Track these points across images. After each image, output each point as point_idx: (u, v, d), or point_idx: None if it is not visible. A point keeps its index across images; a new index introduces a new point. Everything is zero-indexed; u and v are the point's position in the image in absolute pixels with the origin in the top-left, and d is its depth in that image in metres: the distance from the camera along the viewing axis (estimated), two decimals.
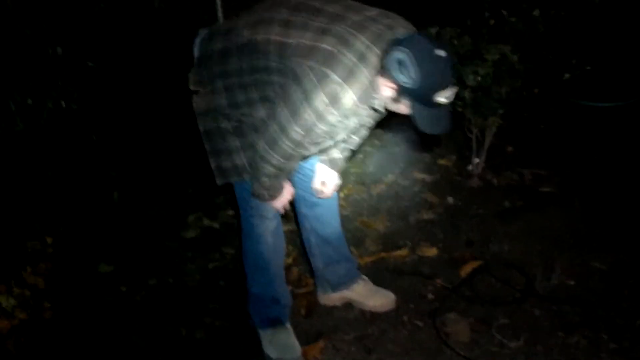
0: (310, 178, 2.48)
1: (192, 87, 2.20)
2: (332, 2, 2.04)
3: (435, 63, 1.84)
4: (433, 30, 3.46)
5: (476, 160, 3.74)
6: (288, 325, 2.56)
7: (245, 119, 2.12)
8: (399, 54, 1.82)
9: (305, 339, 2.58)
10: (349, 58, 1.89)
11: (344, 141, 2.34)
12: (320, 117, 1.93)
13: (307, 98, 1.91)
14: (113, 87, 3.67)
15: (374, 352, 2.49)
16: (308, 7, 2.02)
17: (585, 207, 3.31)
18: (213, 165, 2.26)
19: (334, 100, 1.90)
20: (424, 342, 2.52)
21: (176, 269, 3.16)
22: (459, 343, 2.47)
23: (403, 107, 1.96)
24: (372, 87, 1.93)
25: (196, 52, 2.22)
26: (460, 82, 3.42)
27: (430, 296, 2.78)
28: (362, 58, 1.89)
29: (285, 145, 2.01)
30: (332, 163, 2.44)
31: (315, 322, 2.71)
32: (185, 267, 3.18)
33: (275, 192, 2.23)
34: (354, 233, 3.25)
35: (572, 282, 2.76)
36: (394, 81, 1.87)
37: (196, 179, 3.80)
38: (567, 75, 3.41)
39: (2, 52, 3.20)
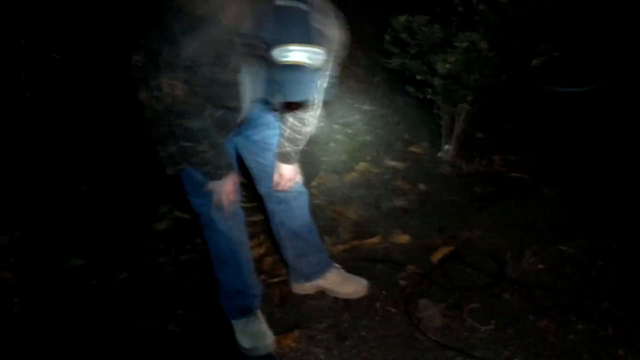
0: (270, 174, 2.47)
1: (134, 74, 2.13)
2: None
3: (291, 16, 1.78)
4: (402, 18, 3.48)
5: (447, 147, 3.77)
6: (259, 314, 2.56)
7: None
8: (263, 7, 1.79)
9: (280, 328, 2.58)
10: (201, 9, 1.87)
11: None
12: (169, 67, 1.93)
13: (159, 48, 1.95)
14: (79, 78, 3.61)
15: (348, 340, 2.50)
16: None
17: (555, 192, 3.35)
18: (162, 154, 2.20)
19: (176, 52, 1.90)
20: (397, 328, 2.53)
21: (148, 262, 3.14)
22: (431, 328, 2.50)
23: (268, 67, 1.90)
24: (219, 44, 1.89)
25: (142, 40, 2.15)
26: (430, 70, 3.44)
27: (402, 283, 2.80)
28: (210, 12, 1.86)
29: (165, 97, 2.00)
30: (283, 157, 2.40)
31: (289, 311, 2.71)
32: (157, 259, 3.15)
33: (212, 171, 2.18)
34: (326, 222, 3.25)
35: (541, 267, 2.79)
36: (260, 37, 1.84)
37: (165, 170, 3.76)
38: (535, 62, 3.44)
39: None
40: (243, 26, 1.87)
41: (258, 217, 3.26)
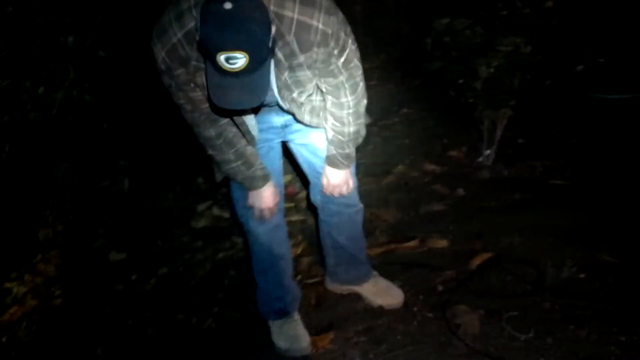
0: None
1: None
2: None
3: (215, 14, 1.58)
4: (445, 21, 3.46)
5: (487, 151, 3.73)
6: (296, 316, 2.57)
7: None
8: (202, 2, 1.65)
9: (315, 329, 2.58)
10: (169, 14, 1.80)
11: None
12: (161, 75, 1.89)
13: None
14: (124, 76, 3.66)
15: (383, 343, 2.48)
16: None
17: (597, 200, 3.29)
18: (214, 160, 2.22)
19: (155, 55, 1.84)
20: (433, 333, 2.51)
21: (186, 258, 3.17)
22: (469, 335, 2.46)
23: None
24: (185, 50, 1.80)
25: None
26: (472, 74, 3.41)
27: (440, 288, 2.77)
28: (178, 17, 1.77)
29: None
30: (329, 161, 2.31)
31: (324, 313, 2.71)
32: (195, 256, 3.19)
33: (247, 182, 2.18)
34: (364, 224, 3.23)
35: (583, 276, 2.73)
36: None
37: (206, 169, 3.80)
38: (580, 67, 3.39)
39: (14, 41, 3.20)
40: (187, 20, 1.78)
41: (296, 217, 3.28)
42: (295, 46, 1.84)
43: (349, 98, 2.09)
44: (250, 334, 2.64)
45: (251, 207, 2.28)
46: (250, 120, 2.08)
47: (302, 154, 2.41)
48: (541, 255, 2.86)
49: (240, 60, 1.61)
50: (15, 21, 3.18)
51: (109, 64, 3.58)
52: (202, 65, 1.82)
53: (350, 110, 2.14)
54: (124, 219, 3.49)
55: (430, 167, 3.80)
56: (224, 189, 3.58)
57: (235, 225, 3.37)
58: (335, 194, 2.38)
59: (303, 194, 3.34)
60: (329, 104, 2.12)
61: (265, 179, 2.22)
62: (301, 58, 1.88)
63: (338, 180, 2.34)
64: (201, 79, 1.87)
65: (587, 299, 2.58)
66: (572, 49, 3.43)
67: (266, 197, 2.24)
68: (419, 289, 2.77)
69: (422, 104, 4.52)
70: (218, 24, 1.58)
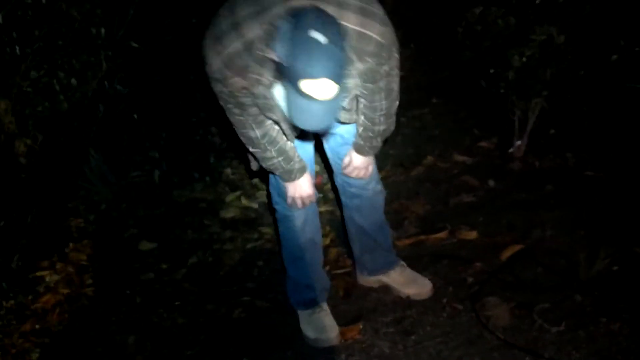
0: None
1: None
2: None
3: (305, 45, 1.63)
4: (477, 11, 3.42)
5: (518, 142, 3.67)
6: (325, 306, 2.57)
7: None
8: (282, 23, 1.69)
9: (344, 320, 2.58)
10: (224, 23, 1.83)
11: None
12: (213, 84, 1.93)
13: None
14: (156, 67, 3.69)
15: (413, 335, 2.48)
16: None
17: (630, 192, 3.22)
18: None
19: (206, 65, 1.88)
20: (463, 325, 2.49)
21: (216, 249, 3.19)
22: (499, 327, 2.44)
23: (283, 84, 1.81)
24: (244, 59, 1.83)
25: None
26: (504, 64, 3.36)
27: (469, 280, 2.75)
28: (235, 26, 1.81)
29: (226, 112, 2.02)
30: (357, 147, 2.34)
31: (353, 303, 2.71)
32: (224, 246, 3.21)
33: (283, 174, 2.21)
34: (392, 215, 3.22)
35: (615, 269, 2.69)
36: (274, 53, 1.73)
37: (235, 159, 3.82)
38: (614, 57, 3.31)
39: (47, 32, 3.25)
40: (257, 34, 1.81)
41: (324, 208, 3.27)
42: (353, 56, 1.88)
43: (383, 102, 2.14)
44: (279, 324, 2.65)
45: (289, 198, 2.31)
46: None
47: (329, 143, 2.45)
48: (573, 248, 2.82)
49: (328, 89, 1.68)
50: (48, 13, 3.22)
51: (141, 55, 3.61)
52: (264, 79, 1.87)
53: (383, 112, 2.18)
54: (154, 209, 3.52)
55: (460, 158, 3.76)
56: (254, 179, 3.60)
57: (264, 215, 3.39)
58: (354, 175, 2.42)
59: (330, 185, 3.34)
60: (361, 105, 2.17)
61: (302, 170, 2.26)
62: (359, 66, 1.93)
63: (360, 163, 2.38)
64: (259, 90, 1.91)
65: (620, 292, 2.54)
66: (607, 38, 3.36)
67: (304, 186, 2.29)
68: (449, 280, 2.76)
69: (452, 94, 4.47)
70: (311, 56, 1.63)
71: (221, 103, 2.01)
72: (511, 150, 3.70)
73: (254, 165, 2.31)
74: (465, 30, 3.51)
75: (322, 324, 2.51)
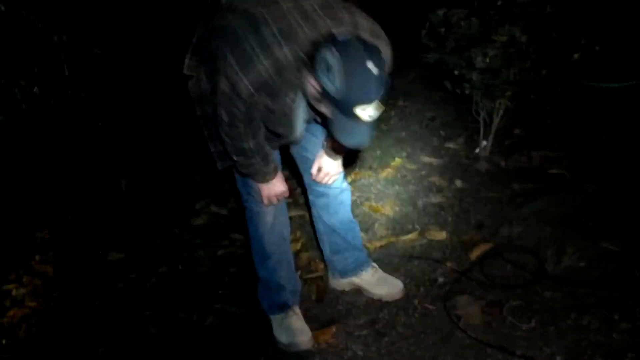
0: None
1: (185, 72, 2.23)
2: None
3: (362, 77, 1.77)
4: (440, 13, 3.44)
5: (484, 143, 3.72)
6: (297, 310, 2.57)
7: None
8: (329, 58, 1.77)
9: (317, 324, 2.58)
10: (249, 42, 1.87)
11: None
12: (228, 100, 1.95)
13: (216, 79, 1.95)
14: (120, 74, 3.65)
15: (386, 336, 2.49)
16: None
17: (596, 188, 3.28)
18: (212, 149, 2.29)
19: (230, 83, 1.90)
20: (435, 325, 2.51)
21: (186, 256, 3.17)
22: (470, 326, 2.47)
23: (325, 109, 1.91)
24: (273, 78, 1.90)
25: (194, 38, 2.24)
26: (468, 65, 3.40)
27: (440, 280, 2.77)
28: (263, 46, 1.86)
29: (224, 125, 2.03)
30: (329, 151, 2.39)
31: (326, 307, 2.71)
32: (195, 254, 3.18)
33: (258, 175, 2.23)
34: (362, 218, 3.24)
35: (583, 264, 2.73)
36: (319, 82, 1.83)
37: (203, 166, 3.79)
38: (576, 56, 3.38)
39: (8, 40, 3.19)
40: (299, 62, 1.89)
41: (295, 213, 3.27)
42: None
43: None
44: (252, 330, 2.63)
45: (259, 193, 2.33)
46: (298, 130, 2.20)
47: (296, 148, 2.48)
48: (541, 245, 2.87)
49: (377, 110, 1.82)
50: (9, 20, 3.17)
51: (105, 62, 3.56)
52: (289, 100, 1.98)
53: None
54: (122, 218, 3.47)
55: (427, 159, 3.79)
56: (224, 185, 3.58)
57: (234, 222, 3.37)
58: (325, 181, 2.46)
59: (300, 190, 3.34)
60: None
61: (276, 170, 2.29)
62: None
63: (330, 168, 2.42)
64: (280, 108, 2.00)
65: (589, 287, 2.59)
66: (568, 37, 3.42)
67: (278, 184, 2.31)
68: (420, 281, 2.78)
69: (418, 96, 4.51)
70: (368, 85, 1.77)
71: (224, 118, 2.01)
72: (477, 150, 3.75)
73: (219, 165, 2.31)
74: (429, 32, 3.53)
75: (294, 328, 2.50)
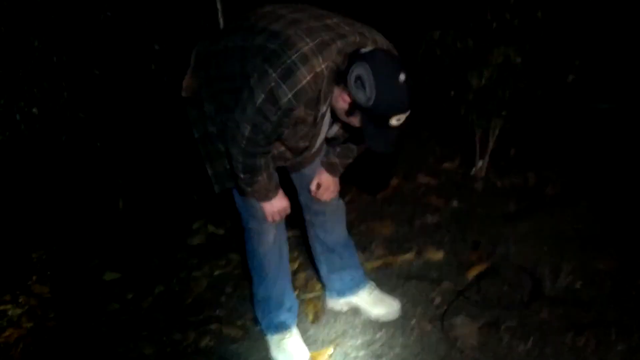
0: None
1: (183, 94, 2.26)
2: (299, 10, 2.06)
3: (396, 89, 1.84)
4: (436, 34, 3.48)
5: (480, 162, 3.74)
6: (295, 331, 2.56)
7: (227, 122, 2.14)
8: (360, 70, 1.83)
9: (314, 345, 2.57)
10: (290, 57, 1.89)
11: (336, 142, 2.34)
12: (261, 114, 1.95)
13: (250, 94, 1.96)
14: (119, 94, 3.67)
15: (383, 357, 2.48)
16: (273, 14, 2.06)
17: (592, 208, 3.30)
18: (210, 172, 2.29)
19: (271, 97, 1.92)
20: (432, 346, 2.50)
21: (182, 276, 3.16)
22: (467, 346, 2.46)
23: (355, 121, 1.97)
24: (313, 91, 1.93)
25: (191, 61, 2.26)
26: (464, 85, 3.43)
27: (437, 300, 2.77)
28: (303, 60, 1.89)
29: (241, 141, 2.03)
30: (330, 167, 2.42)
31: (322, 328, 2.70)
32: (192, 273, 3.18)
33: (261, 193, 2.23)
34: (359, 238, 3.24)
35: (579, 284, 2.74)
36: (350, 95, 1.89)
37: (200, 186, 3.80)
38: (571, 77, 3.41)
39: (8, 61, 3.21)
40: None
41: (291, 234, 3.26)
42: None
43: None
44: (249, 351, 2.62)
45: (260, 211, 2.32)
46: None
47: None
48: (537, 265, 2.88)
49: (405, 117, 1.90)
50: (8, 42, 3.19)
51: (103, 82, 3.58)
52: (320, 111, 2.01)
53: None
54: (118, 238, 3.47)
55: (424, 179, 3.81)
56: (220, 205, 3.58)
57: (231, 241, 3.38)
58: (325, 198, 2.47)
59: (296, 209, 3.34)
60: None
61: (277, 187, 2.29)
62: None
63: (330, 184, 2.44)
64: (310, 119, 2.03)
65: (585, 306, 2.59)
66: (563, 58, 3.45)
67: (280, 200, 2.31)
68: (417, 301, 2.77)
69: (415, 116, 4.53)
70: (399, 95, 1.84)
71: (246, 133, 2.01)
72: (473, 170, 3.77)
73: (216, 188, 2.31)
74: (425, 53, 3.57)
75: (292, 350, 2.49)
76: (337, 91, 1.95)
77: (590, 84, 3.76)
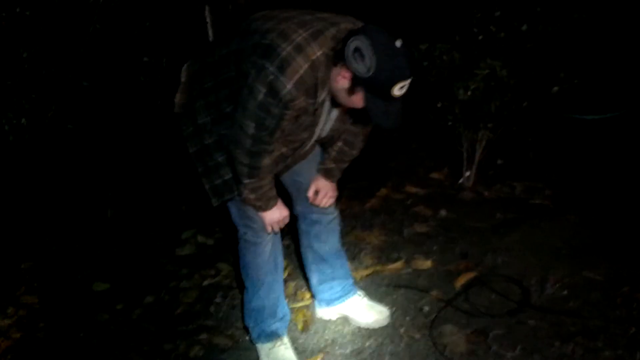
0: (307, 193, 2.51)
1: (176, 111, 2.28)
2: (291, 10, 2.10)
3: (395, 56, 1.85)
4: (423, 47, 3.52)
5: (467, 173, 3.78)
6: (286, 340, 2.56)
7: (225, 131, 2.16)
8: (357, 42, 1.85)
9: (303, 354, 2.58)
10: (285, 49, 1.92)
11: (334, 145, 2.38)
12: (263, 108, 1.97)
13: (250, 92, 1.98)
14: (107, 106, 3.68)
15: None
16: (265, 17, 2.10)
17: (578, 218, 3.34)
18: (207, 186, 2.29)
19: (271, 89, 1.94)
20: (421, 354, 2.52)
21: (172, 286, 3.16)
22: (456, 354, 2.48)
23: (357, 99, 1.96)
24: (312, 78, 1.95)
25: (182, 77, 2.28)
26: (450, 97, 3.47)
27: (426, 309, 2.79)
28: (298, 49, 1.92)
29: (246, 141, 2.04)
30: (327, 173, 2.46)
31: (312, 337, 2.71)
32: (181, 284, 3.18)
33: (264, 201, 2.23)
34: (348, 247, 3.25)
35: (566, 293, 2.77)
36: (350, 70, 1.89)
37: (190, 196, 3.81)
38: (555, 89, 3.46)
39: None
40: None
41: None
42: None
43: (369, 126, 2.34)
44: None
45: (258, 222, 2.33)
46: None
47: (288, 174, 2.49)
48: (525, 274, 2.91)
49: (407, 85, 1.89)
50: None
51: (92, 94, 3.58)
52: (321, 98, 2.02)
53: (364, 136, 2.39)
54: (107, 248, 3.47)
55: (413, 189, 3.85)
56: (210, 215, 3.59)
57: (220, 252, 3.38)
58: (323, 204, 2.50)
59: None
60: (345, 128, 2.31)
61: (276, 197, 2.30)
62: None
63: (328, 189, 2.48)
64: (311, 106, 2.03)
65: (572, 315, 2.62)
66: (548, 70, 3.51)
67: (280, 209, 2.32)
68: (406, 310, 2.79)
69: (403, 127, 4.56)
70: (397, 60, 1.85)
71: (249, 132, 2.02)
72: (461, 180, 3.81)
73: (214, 202, 2.31)
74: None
75: (282, 358, 2.49)
76: (335, 72, 1.96)
77: (576, 96, 3.81)
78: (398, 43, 1.86)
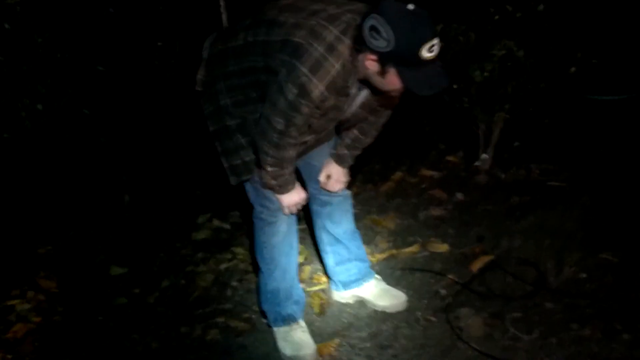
0: (319, 176, 2.52)
1: (197, 88, 2.29)
2: (319, 0, 2.08)
3: (406, 18, 1.82)
4: (438, 28, 3.48)
5: (484, 156, 3.75)
6: (302, 323, 2.58)
7: (248, 115, 2.18)
8: (369, 22, 1.85)
9: (320, 337, 2.59)
10: (317, 49, 1.92)
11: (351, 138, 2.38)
12: (293, 108, 1.97)
13: (280, 89, 1.98)
14: (122, 90, 3.68)
15: (389, 349, 2.50)
16: (293, 7, 2.08)
17: (595, 200, 3.31)
18: (225, 165, 2.30)
19: (303, 91, 1.94)
20: (438, 337, 2.52)
21: (188, 271, 3.18)
22: (473, 337, 2.48)
23: (393, 78, 1.93)
24: (343, 78, 1.96)
25: (204, 54, 2.28)
26: (466, 79, 3.44)
27: (442, 292, 2.79)
28: (330, 49, 1.92)
29: (273, 135, 2.05)
30: (339, 159, 2.47)
31: (328, 320, 2.72)
32: (197, 268, 3.20)
33: (284, 186, 2.24)
34: (364, 231, 3.24)
35: (583, 275, 2.75)
36: (373, 51, 1.88)
37: (205, 181, 3.82)
38: (573, 69, 3.42)
39: (12, 58, 3.22)
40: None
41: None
42: None
43: (386, 113, 2.38)
44: (255, 344, 2.64)
45: (275, 203, 2.34)
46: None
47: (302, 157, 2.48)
48: (541, 257, 2.89)
49: (436, 45, 1.85)
50: (12, 39, 3.20)
51: (107, 78, 3.59)
52: (354, 90, 2.06)
53: (380, 125, 2.43)
54: (124, 233, 3.49)
55: (428, 172, 3.83)
56: (225, 199, 3.60)
57: (236, 236, 3.40)
58: (335, 189, 2.51)
59: None
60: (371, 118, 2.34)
61: (294, 180, 2.31)
62: None
63: (340, 175, 2.49)
64: (342, 102, 2.08)
65: (589, 298, 2.61)
66: (565, 51, 3.46)
67: (298, 192, 2.33)
68: (422, 293, 2.79)
69: (418, 110, 4.54)
70: (413, 23, 1.81)
71: (278, 127, 2.03)
72: (477, 163, 3.77)
73: (232, 180, 2.32)
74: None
75: (299, 341, 2.51)
76: (361, 59, 1.95)
77: (593, 76, 3.76)
78: (411, 6, 1.84)
